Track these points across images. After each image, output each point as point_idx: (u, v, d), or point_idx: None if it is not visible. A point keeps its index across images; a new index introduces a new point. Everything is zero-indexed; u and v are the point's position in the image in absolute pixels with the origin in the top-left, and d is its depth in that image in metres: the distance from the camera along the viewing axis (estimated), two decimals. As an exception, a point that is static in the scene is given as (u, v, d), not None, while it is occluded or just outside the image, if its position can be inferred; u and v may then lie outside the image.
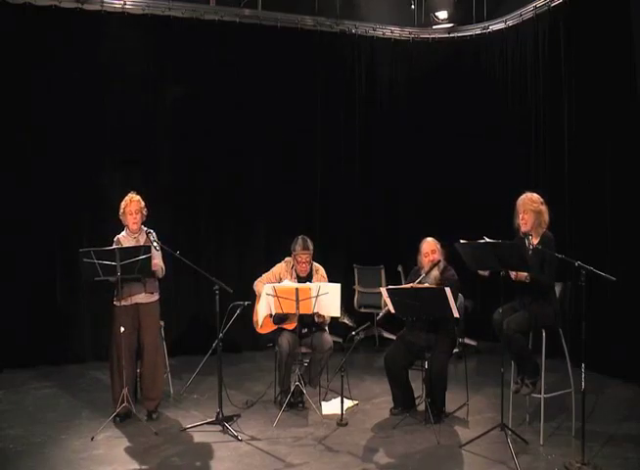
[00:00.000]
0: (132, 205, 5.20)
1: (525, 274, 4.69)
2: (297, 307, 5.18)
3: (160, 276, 5.31)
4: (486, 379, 6.11)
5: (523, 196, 4.87)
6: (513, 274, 4.72)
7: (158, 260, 5.22)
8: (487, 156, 8.02)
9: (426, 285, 5.07)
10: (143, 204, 5.27)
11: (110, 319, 5.23)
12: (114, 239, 5.25)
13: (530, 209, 4.78)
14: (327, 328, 5.63)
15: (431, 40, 8.47)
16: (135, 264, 4.88)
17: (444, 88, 8.28)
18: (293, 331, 5.46)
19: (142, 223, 5.26)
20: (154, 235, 5.21)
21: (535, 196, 4.84)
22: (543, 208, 4.81)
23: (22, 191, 6.81)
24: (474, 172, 8.14)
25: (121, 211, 5.23)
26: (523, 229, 4.83)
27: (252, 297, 5.68)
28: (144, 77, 7.30)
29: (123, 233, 5.28)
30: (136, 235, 5.24)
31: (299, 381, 5.41)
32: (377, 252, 7.99)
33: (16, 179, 6.79)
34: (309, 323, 5.48)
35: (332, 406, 5.43)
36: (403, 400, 5.33)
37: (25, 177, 6.83)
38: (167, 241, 5.39)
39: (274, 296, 5.19)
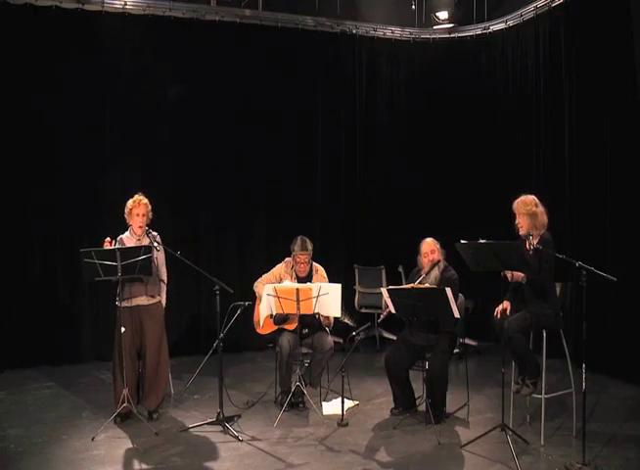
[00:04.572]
0: (140, 207, 5.17)
1: (522, 275, 4.69)
2: (298, 308, 5.18)
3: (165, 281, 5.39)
4: (487, 379, 6.11)
5: (517, 200, 4.84)
6: (509, 274, 4.73)
7: (164, 276, 5.34)
8: (488, 156, 8.04)
9: (426, 285, 5.07)
10: (150, 207, 5.24)
11: (114, 320, 5.23)
12: (118, 239, 5.23)
13: (523, 212, 4.76)
14: (328, 328, 5.62)
15: (431, 40, 8.47)
16: (135, 264, 4.88)
17: (445, 88, 8.28)
18: (293, 331, 5.46)
19: (146, 225, 5.25)
20: (158, 238, 5.21)
21: (529, 199, 4.81)
22: (538, 210, 4.77)
23: (21, 191, 6.82)
24: (474, 173, 8.15)
25: (127, 210, 5.20)
26: (520, 232, 4.82)
27: (253, 297, 5.68)
28: (144, 78, 7.30)
29: (127, 234, 5.26)
30: (140, 237, 5.22)
31: (300, 381, 5.40)
32: (377, 252, 8.00)
33: (15, 179, 6.80)
34: (310, 323, 5.48)
35: (332, 407, 5.42)
36: (404, 401, 5.33)
37: (25, 177, 6.83)
38: (168, 241, 5.41)
39: (275, 296, 5.19)
